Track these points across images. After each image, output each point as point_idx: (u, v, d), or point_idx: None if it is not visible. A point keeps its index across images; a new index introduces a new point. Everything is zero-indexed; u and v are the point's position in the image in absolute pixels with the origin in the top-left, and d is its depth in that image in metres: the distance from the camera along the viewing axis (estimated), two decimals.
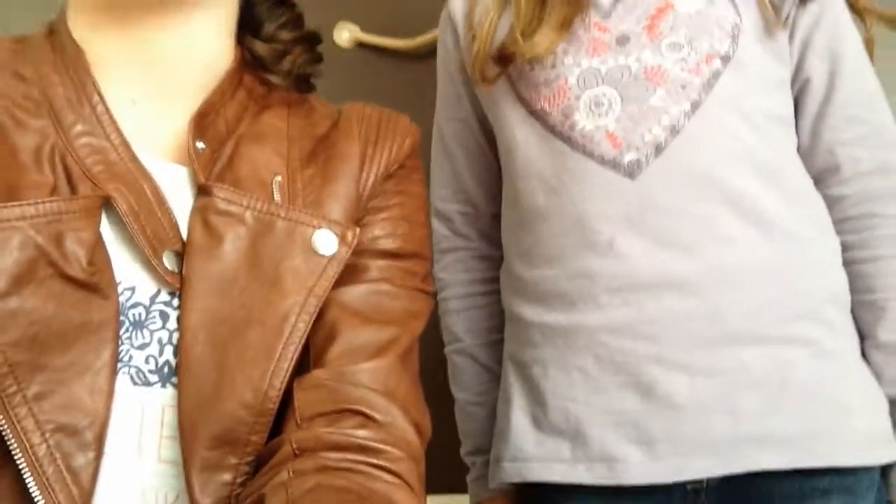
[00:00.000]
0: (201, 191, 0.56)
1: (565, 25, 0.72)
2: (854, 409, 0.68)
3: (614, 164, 0.70)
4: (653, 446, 0.67)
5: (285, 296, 0.55)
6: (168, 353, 0.53)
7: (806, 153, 0.76)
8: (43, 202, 0.50)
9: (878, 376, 0.71)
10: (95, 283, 0.50)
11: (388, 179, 0.65)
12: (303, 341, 0.55)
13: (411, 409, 0.57)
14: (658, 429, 0.67)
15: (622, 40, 0.73)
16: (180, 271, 0.54)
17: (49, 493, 0.47)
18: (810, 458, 0.66)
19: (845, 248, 0.75)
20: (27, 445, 0.46)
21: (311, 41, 0.68)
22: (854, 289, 0.74)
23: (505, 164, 0.80)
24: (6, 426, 0.46)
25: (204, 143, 0.58)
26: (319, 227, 0.57)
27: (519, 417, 0.74)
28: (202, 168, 0.56)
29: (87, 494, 0.48)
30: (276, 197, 0.58)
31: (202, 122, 0.58)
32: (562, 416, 0.71)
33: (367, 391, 0.55)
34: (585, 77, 0.73)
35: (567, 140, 0.73)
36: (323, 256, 0.56)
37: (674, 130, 0.70)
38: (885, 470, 0.70)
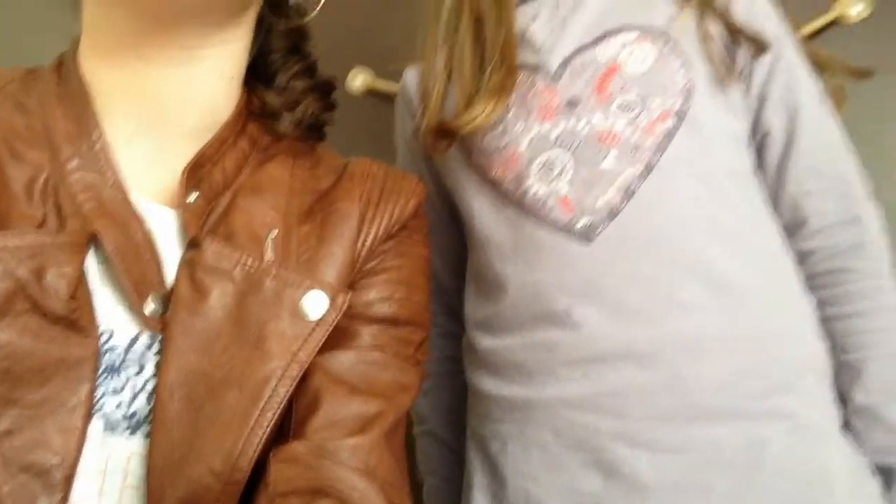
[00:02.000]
0: (191, 244, 0.54)
1: (500, 92, 0.71)
2: (836, 487, 0.61)
3: (568, 230, 0.67)
4: None
5: (267, 359, 0.52)
6: (140, 402, 0.51)
7: (773, 207, 0.73)
8: (27, 234, 0.48)
9: (860, 444, 0.66)
10: (75, 319, 0.49)
11: (388, 240, 0.62)
12: (282, 408, 0.52)
13: (391, 490, 0.53)
14: None
15: (572, 103, 0.71)
16: (163, 315, 0.51)
17: None
18: None
19: (819, 305, 0.70)
20: None
21: (325, 89, 0.67)
22: (831, 349, 0.69)
23: (466, 235, 0.77)
24: None
25: (198, 192, 0.56)
26: (310, 289, 0.55)
27: (479, 499, 0.70)
28: (193, 219, 0.55)
29: None
30: (269, 254, 0.56)
31: (197, 172, 0.57)
32: (522, 498, 0.66)
33: (347, 470, 0.52)
34: (536, 142, 0.71)
35: (521, 207, 0.70)
36: (310, 321, 0.54)
37: (628, 193, 0.67)
38: None
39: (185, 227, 0.54)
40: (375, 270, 0.61)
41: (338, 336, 0.56)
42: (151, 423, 0.50)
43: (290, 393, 0.52)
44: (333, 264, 0.58)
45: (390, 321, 0.60)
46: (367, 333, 0.58)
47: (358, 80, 1.14)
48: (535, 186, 0.70)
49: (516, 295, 0.69)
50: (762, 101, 0.74)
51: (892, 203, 0.90)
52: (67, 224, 0.51)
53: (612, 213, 0.67)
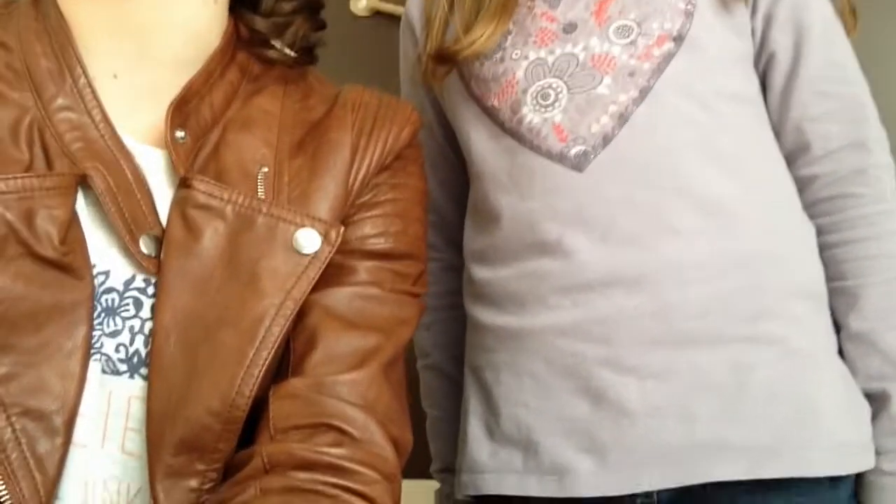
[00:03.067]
0: (182, 183, 0.53)
1: (501, 14, 0.69)
2: (824, 412, 0.61)
3: (561, 158, 0.67)
4: (604, 456, 0.62)
5: (261, 297, 0.52)
6: (139, 343, 0.51)
7: (776, 133, 0.71)
8: (15, 178, 0.48)
9: (853, 371, 0.66)
10: (68, 263, 0.48)
11: (381, 172, 0.61)
12: (277, 346, 0.52)
13: (390, 424, 0.54)
14: (609, 437, 0.62)
15: (569, 28, 0.69)
16: (158, 256, 0.51)
17: (11, 479, 0.45)
18: (772, 468, 0.60)
19: (818, 232, 0.69)
20: None
21: (314, 8, 0.64)
22: (828, 276, 0.68)
23: (467, 166, 0.77)
24: None
25: (185, 131, 0.55)
26: (302, 226, 0.54)
27: (474, 427, 0.71)
28: (182, 159, 0.54)
29: (52, 482, 0.46)
30: (261, 190, 0.55)
31: (183, 109, 0.56)
32: (513, 425, 0.67)
33: (345, 405, 0.52)
34: (533, 69, 0.69)
35: (516, 136, 0.69)
36: (304, 256, 0.54)
37: (622, 119, 0.66)
38: (859, 480, 0.64)
39: (174, 167, 0.54)
40: (369, 204, 0.60)
41: (334, 272, 0.56)
42: (149, 367, 0.50)
43: (285, 331, 0.52)
44: (325, 198, 0.57)
45: (386, 255, 0.59)
46: (363, 269, 0.58)
47: (361, 2, 1.11)
48: (531, 115, 0.69)
49: (510, 225, 0.69)
50: (768, 20, 0.71)
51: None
52: (55, 166, 0.51)
53: (606, 140, 0.66)
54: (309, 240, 0.54)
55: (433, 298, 0.76)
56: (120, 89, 0.56)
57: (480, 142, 0.73)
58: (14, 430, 0.45)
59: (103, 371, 0.50)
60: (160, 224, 0.53)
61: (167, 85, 0.56)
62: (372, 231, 0.59)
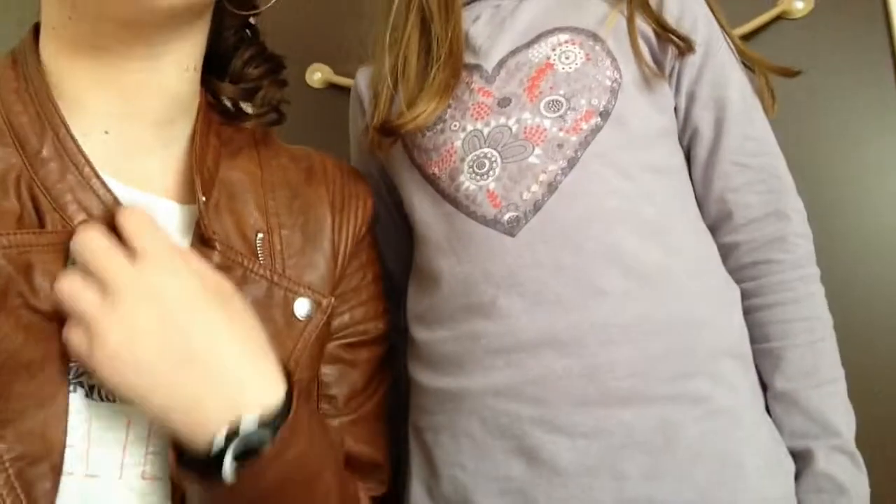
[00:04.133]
0: (203, 242, 0.57)
1: (444, 92, 0.73)
2: (748, 470, 0.62)
3: (495, 223, 0.69)
4: None
5: None
6: None
7: (700, 203, 0.75)
8: (14, 233, 0.50)
9: (779, 429, 0.67)
10: (60, 316, 0.49)
11: (354, 257, 0.67)
12: None
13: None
14: (543, 496, 0.63)
15: (504, 102, 0.72)
16: None
17: None
18: None
19: (743, 296, 0.72)
20: None
21: (277, 69, 0.68)
22: (753, 337, 0.71)
23: (411, 230, 0.79)
24: None
25: (203, 191, 0.58)
26: (300, 295, 0.60)
27: (416, 489, 0.71)
28: (208, 221, 0.57)
29: None
30: (261, 256, 0.60)
31: (203, 172, 0.59)
32: (451, 486, 0.67)
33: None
34: (470, 140, 0.72)
35: (454, 202, 0.72)
36: (300, 321, 0.60)
37: (551, 188, 0.68)
38: None
39: (205, 228, 0.57)
40: (350, 292, 0.67)
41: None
42: None
43: None
44: (316, 271, 0.64)
45: (374, 341, 0.68)
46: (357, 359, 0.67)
47: (316, 75, 1.16)
48: (467, 182, 0.71)
49: (448, 287, 0.71)
50: (691, 98, 0.76)
51: (827, 200, 0.95)
52: (46, 220, 0.52)
53: (536, 207, 0.68)
54: (305, 307, 0.61)
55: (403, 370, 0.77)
56: (112, 144, 0.58)
57: (423, 208, 0.75)
58: (9, 475, 0.46)
59: (111, 400, 0.52)
60: None
61: (153, 142, 0.60)
62: (356, 318, 0.68)
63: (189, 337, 0.50)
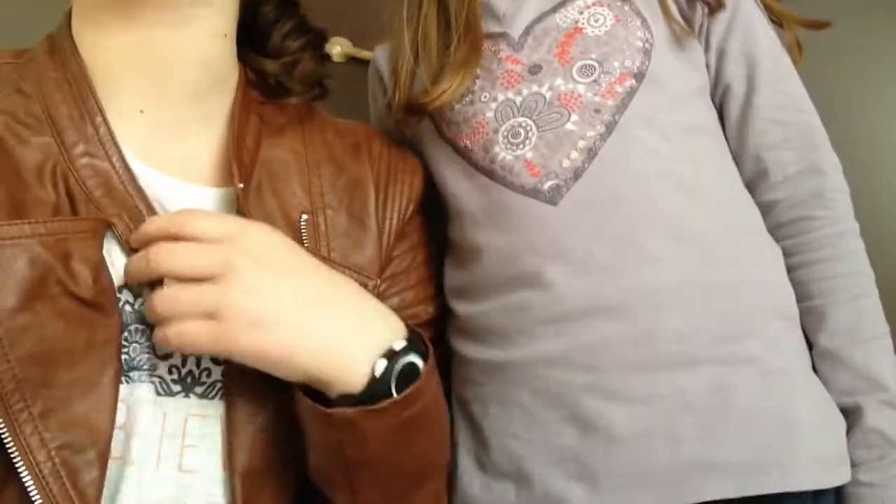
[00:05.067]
0: None
1: (466, 66, 0.72)
2: (803, 429, 0.62)
3: (535, 193, 0.68)
4: (595, 482, 0.62)
5: None
6: (191, 364, 0.53)
7: (736, 161, 0.74)
8: (51, 221, 0.49)
9: (827, 387, 0.67)
10: (100, 302, 0.50)
11: (402, 238, 0.66)
12: None
13: None
14: (599, 463, 0.62)
15: (534, 69, 0.71)
16: None
17: None
18: (758, 485, 0.60)
19: (784, 255, 0.71)
20: (33, 462, 0.46)
21: (319, 43, 0.67)
22: (797, 296, 0.70)
23: (443, 205, 0.78)
24: (13, 444, 0.45)
25: (241, 178, 0.57)
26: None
27: (464, 459, 0.71)
28: (247, 208, 0.57)
29: None
30: (305, 238, 0.59)
31: (240, 161, 0.58)
32: (504, 456, 0.67)
33: None
34: (502, 110, 0.71)
35: (489, 174, 0.71)
36: None
37: (591, 153, 0.67)
38: (840, 492, 0.65)
39: (244, 216, 0.56)
40: (399, 275, 0.66)
41: None
42: (224, 389, 0.54)
43: None
44: (362, 252, 0.63)
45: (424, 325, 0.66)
46: None
47: (336, 49, 1.13)
48: (503, 153, 0.70)
49: (489, 261, 0.70)
50: (721, 55, 0.75)
51: (860, 155, 0.93)
52: (80, 210, 0.52)
53: (577, 174, 0.68)
54: None
55: None
56: (147, 123, 0.57)
57: (456, 182, 0.74)
58: (54, 464, 0.46)
59: (157, 393, 0.52)
60: None
61: (190, 118, 0.59)
62: (406, 302, 0.67)
63: (313, 286, 0.52)
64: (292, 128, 0.65)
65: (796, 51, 0.78)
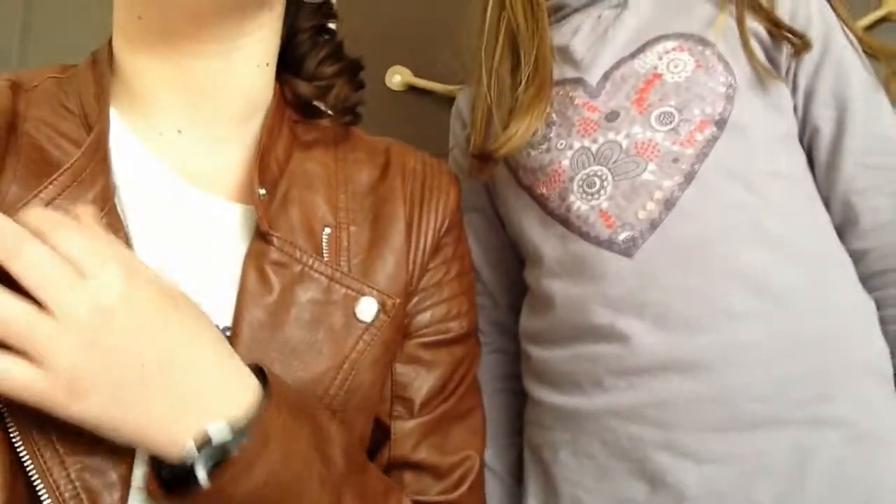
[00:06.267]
0: (260, 236, 0.56)
1: (534, 110, 0.71)
2: (886, 495, 0.59)
3: (610, 244, 0.67)
4: None
5: (321, 357, 0.55)
6: None
7: (826, 206, 0.70)
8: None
9: None
10: None
11: (437, 252, 0.65)
12: (336, 404, 0.55)
13: None
14: None
15: (611, 117, 0.70)
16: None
17: None
18: None
19: (877, 306, 0.67)
20: (53, 486, 0.45)
21: (353, 70, 0.68)
22: (892, 353, 0.66)
23: (518, 250, 0.78)
24: (33, 467, 0.45)
25: (265, 187, 0.58)
26: (363, 294, 0.58)
27: None
28: (265, 214, 0.57)
29: None
30: (325, 252, 0.58)
31: (264, 167, 0.59)
32: None
33: None
34: (578, 158, 0.70)
35: (565, 223, 0.70)
36: (362, 323, 0.57)
37: (668, 204, 0.66)
38: None
39: (259, 222, 0.56)
40: (433, 287, 0.64)
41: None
42: None
43: (343, 390, 0.55)
44: (384, 270, 0.60)
45: (458, 339, 0.65)
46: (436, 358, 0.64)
47: (396, 77, 1.15)
48: (578, 202, 0.70)
49: (562, 309, 0.69)
50: (809, 96, 0.71)
51: None
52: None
53: (654, 225, 0.66)
54: (368, 308, 0.58)
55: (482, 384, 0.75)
56: (185, 142, 0.58)
57: (532, 230, 0.74)
58: (75, 487, 0.46)
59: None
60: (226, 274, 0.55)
61: (228, 139, 0.60)
62: (437, 318, 0.64)
63: (147, 351, 0.46)
64: (324, 144, 0.65)
65: (893, 85, 0.73)
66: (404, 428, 0.62)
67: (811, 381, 0.61)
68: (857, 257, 0.69)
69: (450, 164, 0.87)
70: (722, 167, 0.66)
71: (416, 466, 0.62)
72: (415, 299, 0.64)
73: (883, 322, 0.67)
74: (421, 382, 0.64)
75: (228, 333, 0.53)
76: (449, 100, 1.14)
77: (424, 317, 0.64)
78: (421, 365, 0.64)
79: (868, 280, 0.69)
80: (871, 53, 0.74)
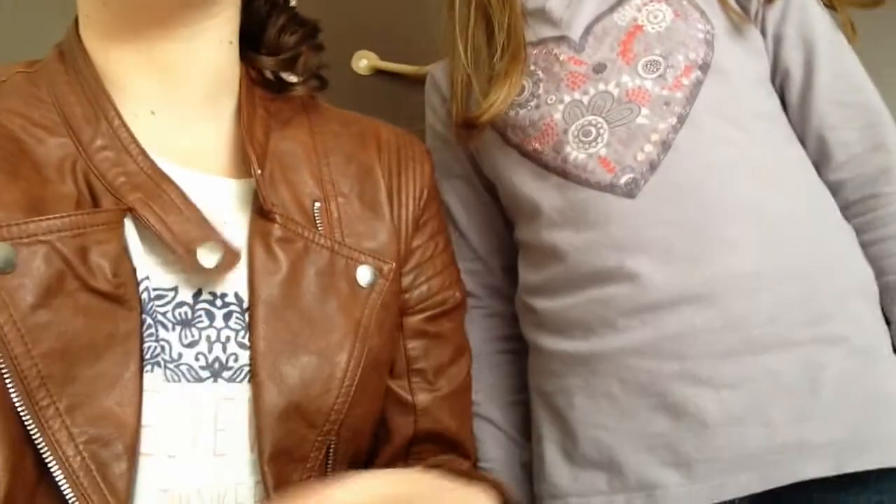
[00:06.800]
0: (262, 215, 0.57)
1: (510, 76, 0.73)
2: (882, 400, 0.62)
3: (612, 188, 0.69)
4: (690, 467, 0.63)
5: (333, 325, 0.57)
6: (217, 350, 0.53)
7: (802, 143, 0.74)
8: (67, 216, 0.49)
9: None
10: (120, 295, 0.50)
11: (423, 227, 0.67)
12: (351, 369, 0.56)
13: None
14: (693, 448, 0.63)
15: (599, 69, 0.72)
16: (218, 266, 0.53)
17: (88, 503, 0.46)
18: (857, 462, 0.60)
19: (856, 233, 0.71)
20: (62, 457, 0.46)
21: (313, 33, 0.67)
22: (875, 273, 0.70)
23: (510, 210, 0.80)
24: (41, 439, 0.45)
25: (258, 163, 0.58)
26: (361, 262, 0.60)
27: (551, 451, 0.71)
28: (265, 193, 0.57)
29: (125, 502, 0.47)
30: (319, 225, 0.60)
31: (254, 145, 0.58)
32: (593, 447, 0.68)
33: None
34: (570, 111, 0.72)
35: (562, 173, 0.72)
36: (363, 288, 0.59)
37: (665, 145, 0.68)
38: None
39: (263, 201, 0.57)
40: (422, 264, 0.67)
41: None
42: (251, 372, 0.53)
43: (356, 354, 0.57)
44: (374, 238, 0.63)
45: (453, 309, 0.68)
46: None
47: (362, 62, 1.15)
48: (575, 153, 0.71)
49: (569, 259, 0.71)
50: (778, 41, 0.75)
51: None
52: (101, 203, 0.52)
53: (653, 166, 0.68)
54: (366, 274, 0.60)
55: (478, 346, 0.77)
56: (159, 124, 0.58)
57: (526, 185, 0.75)
58: (83, 458, 0.46)
59: (187, 380, 0.52)
60: (215, 236, 0.54)
61: (201, 118, 0.60)
62: (434, 289, 0.67)
63: None
64: (299, 119, 0.65)
65: (850, 31, 0.78)
66: (426, 400, 0.66)
67: (812, 303, 0.65)
68: (834, 189, 0.73)
69: (428, 138, 0.88)
70: (711, 108, 0.69)
71: (442, 436, 0.65)
72: (411, 276, 0.66)
73: (864, 246, 0.72)
74: (430, 355, 0.67)
75: (220, 297, 0.54)
76: (416, 81, 1.13)
77: (422, 291, 0.67)
78: (429, 337, 0.67)
79: (846, 209, 0.73)
80: (826, 2, 0.79)
